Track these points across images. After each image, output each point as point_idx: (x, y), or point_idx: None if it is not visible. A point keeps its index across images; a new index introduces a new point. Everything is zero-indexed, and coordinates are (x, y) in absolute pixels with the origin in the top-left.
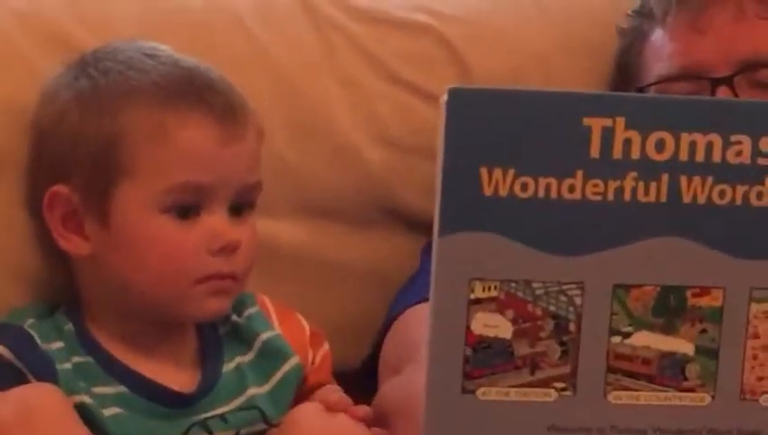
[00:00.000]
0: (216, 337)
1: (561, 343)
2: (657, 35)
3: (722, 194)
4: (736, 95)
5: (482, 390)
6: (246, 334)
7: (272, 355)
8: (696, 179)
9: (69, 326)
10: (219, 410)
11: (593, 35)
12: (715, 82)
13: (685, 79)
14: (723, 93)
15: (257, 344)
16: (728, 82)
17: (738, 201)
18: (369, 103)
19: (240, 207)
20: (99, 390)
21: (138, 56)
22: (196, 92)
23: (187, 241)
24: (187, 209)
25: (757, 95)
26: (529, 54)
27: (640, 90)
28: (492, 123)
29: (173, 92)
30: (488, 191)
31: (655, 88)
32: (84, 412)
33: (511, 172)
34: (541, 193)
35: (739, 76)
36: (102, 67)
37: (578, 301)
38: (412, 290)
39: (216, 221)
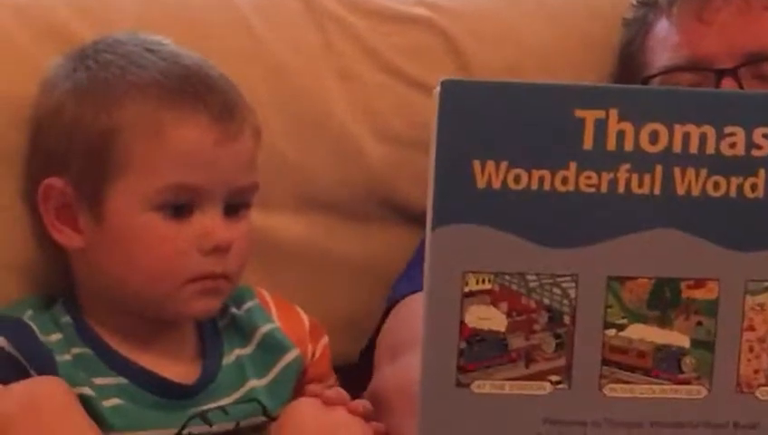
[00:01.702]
0: (216, 330)
1: (556, 336)
2: (662, 26)
3: (716, 186)
4: (741, 87)
5: (476, 383)
6: (246, 327)
7: (271, 348)
8: (690, 171)
9: (67, 319)
10: (219, 403)
11: (592, 29)
12: (720, 74)
13: (689, 70)
14: (727, 85)
15: (257, 337)
16: (733, 73)
17: (732, 193)
18: (368, 97)
19: (235, 207)
20: (99, 381)
21: (138, 50)
22: (194, 91)
23: (178, 240)
24: (179, 208)
25: (762, 87)
26: (528, 48)
27: (645, 81)
28: (485, 115)
29: (171, 91)
30: (481, 183)
31: (659, 79)
32: (85, 404)
33: (504, 164)
34: (534, 185)
35: (744, 68)
36: (102, 60)
37: (572, 293)
38: (409, 280)
39: (208, 221)
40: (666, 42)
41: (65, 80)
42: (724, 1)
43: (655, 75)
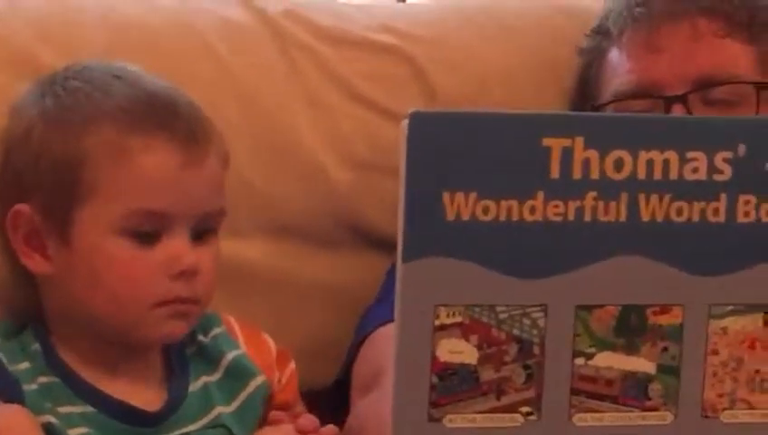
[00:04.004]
0: (183, 357)
1: (526, 367)
2: (614, 54)
3: (679, 211)
4: (690, 113)
5: (448, 417)
6: (212, 354)
7: (238, 374)
8: (654, 197)
9: (36, 346)
10: (186, 429)
11: (557, 53)
12: (670, 100)
13: (640, 96)
14: (677, 111)
15: (223, 363)
16: (682, 99)
17: (695, 218)
18: (334, 123)
19: (202, 232)
20: (65, 409)
21: (105, 77)
22: (159, 117)
23: (145, 265)
24: (146, 233)
25: (712, 113)
26: (493, 73)
27: (597, 108)
28: (453, 146)
29: (136, 117)
30: (451, 216)
31: (611, 106)
32: (50, 432)
33: (473, 195)
34: (502, 216)
35: (693, 94)
36: (69, 86)
37: (541, 323)
38: (382, 309)
39: (175, 245)
40: (617, 69)
41: (34, 106)
42: (673, 28)
43: (608, 103)
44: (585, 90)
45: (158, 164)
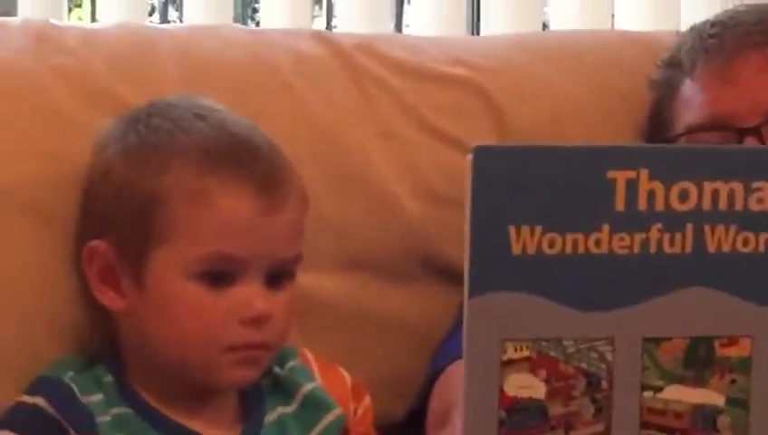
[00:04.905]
0: (258, 390)
1: (594, 401)
2: (687, 86)
3: (746, 242)
4: (764, 144)
5: None
6: (288, 386)
7: (314, 407)
8: (720, 228)
9: (108, 378)
10: None
11: (631, 86)
12: (743, 132)
13: (713, 129)
14: (750, 142)
15: (299, 396)
16: (756, 132)
17: (761, 248)
18: (408, 155)
19: (278, 277)
20: None
21: (188, 115)
22: (239, 160)
23: (217, 309)
24: (220, 277)
25: None
26: (566, 104)
27: (670, 140)
28: (518, 180)
29: (216, 158)
30: (516, 250)
31: (684, 139)
32: None
33: (538, 229)
34: (568, 249)
35: (766, 126)
36: (152, 124)
37: (609, 356)
38: (455, 343)
39: (248, 291)
40: (690, 102)
41: (116, 142)
42: (745, 60)
43: (680, 135)
44: (657, 122)
45: (236, 208)
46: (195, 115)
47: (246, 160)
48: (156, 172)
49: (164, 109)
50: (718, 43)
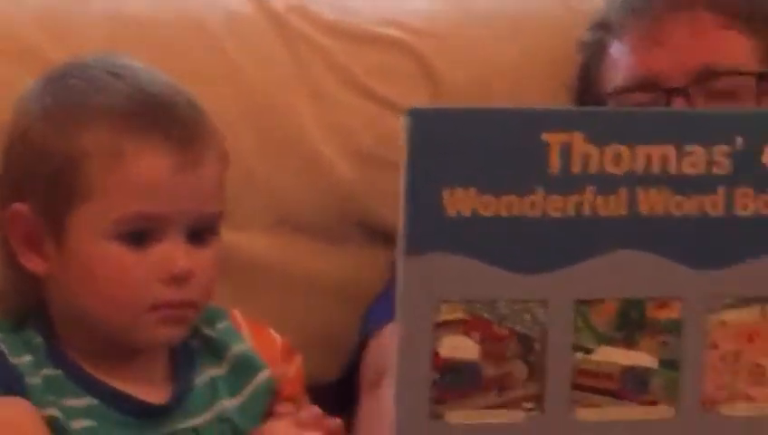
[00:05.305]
0: (188, 351)
1: (528, 363)
2: (616, 47)
3: (678, 205)
4: (692, 106)
5: (450, 414)
6: (218, 348)
7: (243, 368)
8: (653, 191)
9: (38, 340)
10: (191, 423)
11: (559, 47)
12: (671, 93)
13: (641, 90)
14: (678, 104)
15: (229, 357)
16: (684, 92)
17: (694, 211)
18: (339, 117)
19: (200, 234)
20: (68, 402)
21: (103, 75)
22: (154, 118)
23: (139, 269)
24: (140, 236)
25: (714, 105)
26: (497, 66)
27: (599, 102)
28: (453, 142)
29: (131, 118)
30: (451, 212)
31: (612, 99)
32: (54, 426)
33: (473, 191)
34: (503, 211)
35: (694, 87)
36: (68, 85)
37: (542, 318)
38: (387, 305)
39: (169, 249)
40: (618, 63)
41: (33, 104)
42: (674, 21)
43: (608, 96)
44: (587, 84)
45: (151, 167)
46: (110, 74)
47: (161, 118)
48: (71, 133)
49: (80, 68)
50: (647, 5)
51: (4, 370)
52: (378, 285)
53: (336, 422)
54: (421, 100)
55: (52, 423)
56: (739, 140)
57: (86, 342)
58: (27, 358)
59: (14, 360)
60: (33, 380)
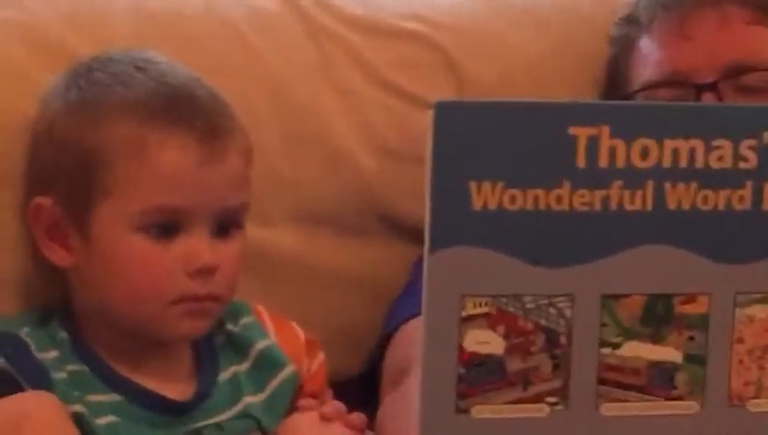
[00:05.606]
0: (212, 347)
1: (553, 357)
2: (644, 42)
3: (705, 199)
4: (721, 100)
5: (476, 408)
6: (242, 344)
7: (267, 364)
8: (681, 186)
9: (63, 335)
10: (215, 419)
11: (586, 42)
12: (700, 88)
13: (670, 85)
14: (708, 99)
15: (253, 353)
16: (713, 87)
17: (721, 206)
18: (363, 111)
19: (225, 227)
20: (93, 398)
21: (127, 69)
22: (178, 112)
23: (162, 261)
24: (165, 229)
25: (743, 100)
26: (522, 61)
27: (627, 97)
28: (479, 136)
29: (155, 111)
30: (477, 205)
31: (641, 95)
32: (78, 421)
33: (499, 185)
34: (529, 205)
35: (723, 82)
36: (92, 78)
37: (568, 313)
38: (410, 301)
39: (194, 242)
40: (647, 58)
41: (58, 98)
42: (702, 16)
43: (637, 91)
44: (615, 79)
45: (175, 160)
46: (135, 68)
47: (185, 111)
48: (95, 127)
49: (105, 63)
50: (676, 0)
51: (30, 364)
52: (401, 279)
53: (359, 417)
54: (446, 94)
55: (77, 419)
56: (766, 135)
57: (110, 337)
58: (53, 353)
59: (40, 355)
60: (59, 375)
